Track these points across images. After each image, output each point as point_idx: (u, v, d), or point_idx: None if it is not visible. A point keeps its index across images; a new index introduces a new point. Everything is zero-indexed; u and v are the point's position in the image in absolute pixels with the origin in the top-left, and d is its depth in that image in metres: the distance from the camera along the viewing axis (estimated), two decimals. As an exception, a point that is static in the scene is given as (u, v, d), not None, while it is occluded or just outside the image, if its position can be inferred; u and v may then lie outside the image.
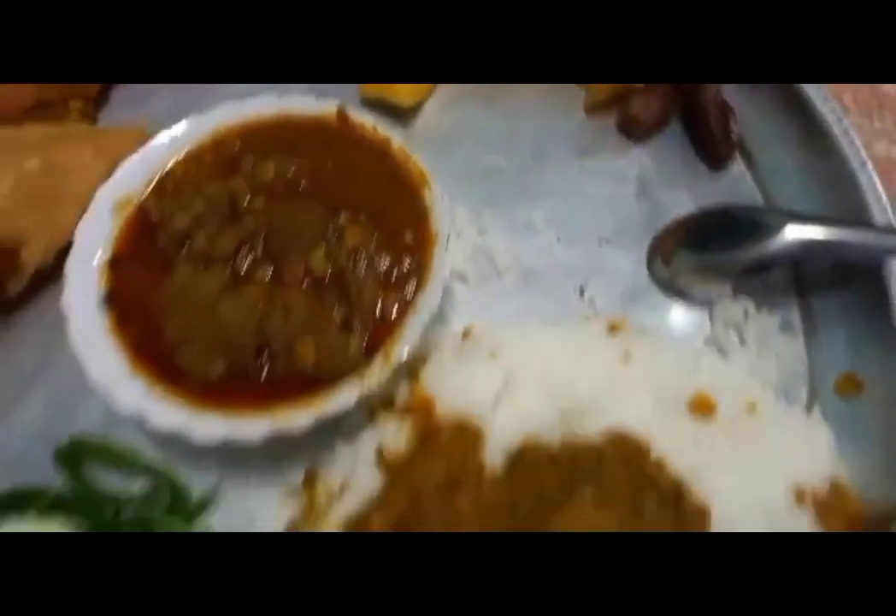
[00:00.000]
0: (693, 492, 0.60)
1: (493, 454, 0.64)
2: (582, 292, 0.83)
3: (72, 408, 0.75)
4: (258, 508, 0.70)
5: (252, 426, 0.65)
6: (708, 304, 0.82)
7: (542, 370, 0.68)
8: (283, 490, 0.70)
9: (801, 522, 0.63)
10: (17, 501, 0.70)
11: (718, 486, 0.62)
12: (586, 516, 0.55)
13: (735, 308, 0.81)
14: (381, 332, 0.69)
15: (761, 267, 0.79)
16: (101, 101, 0.94)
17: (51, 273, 0.79)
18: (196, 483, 0.73)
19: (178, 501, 0.71)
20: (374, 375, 0.66)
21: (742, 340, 0.79)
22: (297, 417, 0.65)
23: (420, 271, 0.71)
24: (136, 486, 0.72)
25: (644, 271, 0.85)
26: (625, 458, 0.61)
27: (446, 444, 0.62)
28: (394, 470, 0.62)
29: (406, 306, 0.70)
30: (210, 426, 0.64)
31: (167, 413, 0.65)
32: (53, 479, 0.72)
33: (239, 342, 0.67)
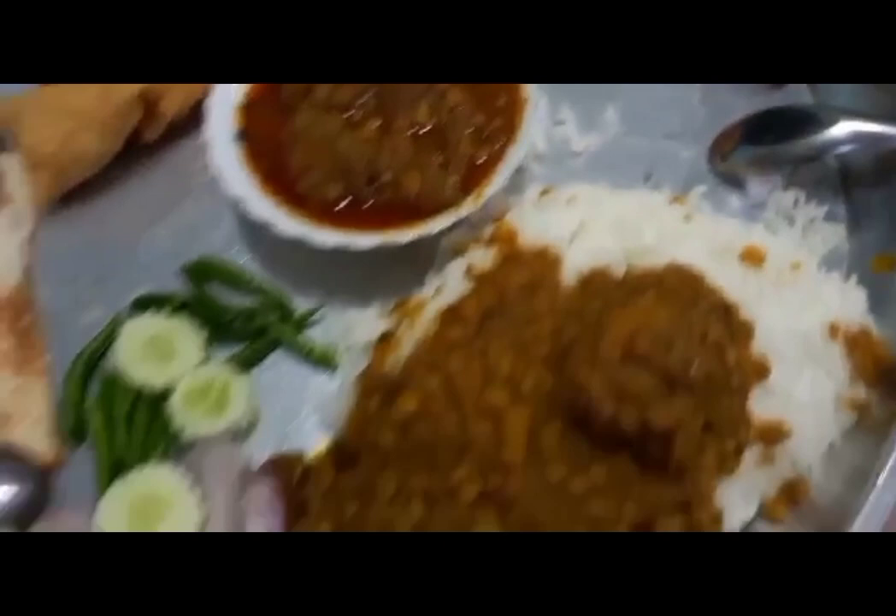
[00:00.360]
0: (741, 312, 0.70)
1: (568, 278, 0.73)
2: (647, 178, 0.93)
3: (198, 234, 0.87)
4: (355, 322, 0.80)
5: (363, 238, 0.75)
6: (761, 195, 0.91)
7: (612, 219, 0.78)
8: (378, 311, 0.81)
9: (833, 353, 0.72)
10: (151, 303, 0.81)
11: (761, 314, 0.71)
12: (646, 310, 0.64)
13: (787, 198, 0.90)
14: (473, 177, 0.79)
15: (814, 157, 0.88)
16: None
17: (184, 125, 0.91)
18: (299, 306, 0.84)
19: (285, 316, 0.82)
20: (467, 208, 0.77)
21: (791, 224, 0.88)
22: (402, 234, 0.75)
23: (509, 130, 0.82)
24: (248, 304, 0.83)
25: (704, 165, 0.94)
26: (682, 283, 0.70)
27: (528, 261, 0.72)
28: (481, 278, 0.72)
29: (496, 158, 0.80)
30: (327, 235, 0.76)
31: (292, 223, 0.76)
32: (180, 291, 0.83)
33: (353, 172, 0.78)
